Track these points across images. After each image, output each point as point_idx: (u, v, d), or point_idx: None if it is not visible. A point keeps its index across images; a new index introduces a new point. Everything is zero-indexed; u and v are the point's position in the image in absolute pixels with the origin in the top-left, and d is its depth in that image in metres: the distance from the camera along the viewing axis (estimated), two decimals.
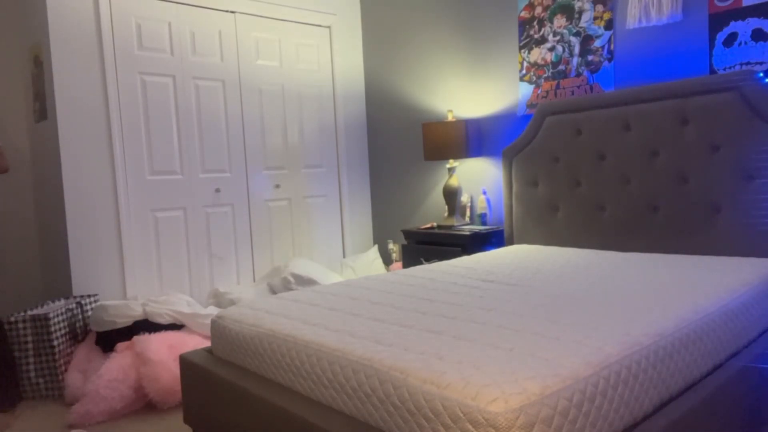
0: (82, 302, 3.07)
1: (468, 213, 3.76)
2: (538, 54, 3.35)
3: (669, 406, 1.44)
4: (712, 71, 2.65)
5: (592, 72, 3.10)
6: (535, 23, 3.35)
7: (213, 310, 3.21)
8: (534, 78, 3.38)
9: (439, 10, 3.91)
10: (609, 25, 3.01)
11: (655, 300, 1.77)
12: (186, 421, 2.10)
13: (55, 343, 2.81)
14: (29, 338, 2.80)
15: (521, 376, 1.21)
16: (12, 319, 2.79)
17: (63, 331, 2.88)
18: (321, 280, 3.75)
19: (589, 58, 3.11)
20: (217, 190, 3.76)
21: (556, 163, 3.12)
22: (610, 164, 2.87)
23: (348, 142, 4.50)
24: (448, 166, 3.71)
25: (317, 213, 4.34)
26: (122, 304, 2.96)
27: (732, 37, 2.57)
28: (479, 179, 3.78)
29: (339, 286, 2.32)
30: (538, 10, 3.32)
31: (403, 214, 4.36)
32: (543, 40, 3.32)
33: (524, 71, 3.43)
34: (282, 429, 1.55)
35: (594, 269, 2.32)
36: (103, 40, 3.25)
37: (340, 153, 4.45)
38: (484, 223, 3.67)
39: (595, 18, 3.06)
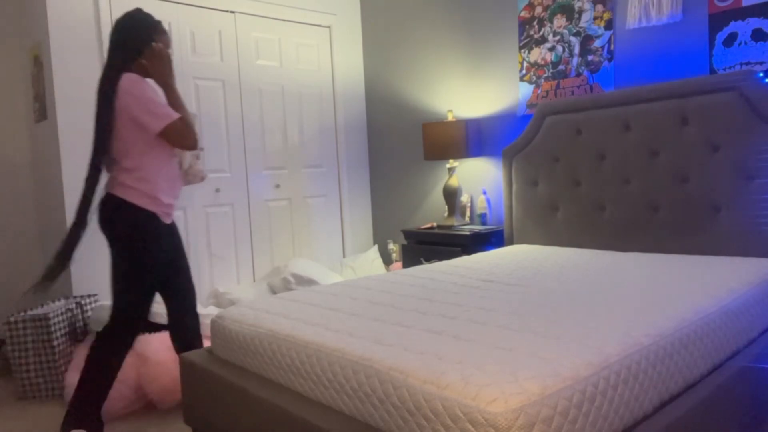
0: (82, 302, 3.06)
1: (468, 213, 3.76)
2: (538, 54, 3.35)
3: (669, 406, 1.44)
4: (712, 71, 2.65)
5: (592, 72, 3.10)
6: (535, 23, 3.35)
7: (213, 310, 3.20)
8: (534, 78, 3.38)
9: (438, 10, 3.91)
10: (609, 25, 3.01)
11: (656, 300, 1.77)
12: (186, 421, 2.10)
13: (55, 343, 2.81)
14: (29, 338, 2.80)
15: (521, 376, 1.21)
16: (12, 319, 2.79)
17: (63, 331, 2.88)
18: (321, 280, 3.75)
19: (589, 58, 3.10)
20: (217, 190, 3.76)
21: (556, 163, 3.12)
22: (610, 164, 2.87)
23: (348, 142, 4.50)
24: (448, 166, 3.71)
25: (317, 213, 4.34)
26: None
27: (732, 37, 2.57)
28: (479, 179, 3.78)
29: (339, 286, 2.32)
30: (538, 10, 3.32)
31: (403, 214, 4.36)
32: (543, 40, 3.32)
33: (524, 71, 3.43)
34: (282, 429, 1.55)
35: (594, 269, 2.32)
36: (103, 40, 3.24)
37: (340, 153, 4.45)
38: (484, 223, 3.67)
39: (595, 18, 3.06)
